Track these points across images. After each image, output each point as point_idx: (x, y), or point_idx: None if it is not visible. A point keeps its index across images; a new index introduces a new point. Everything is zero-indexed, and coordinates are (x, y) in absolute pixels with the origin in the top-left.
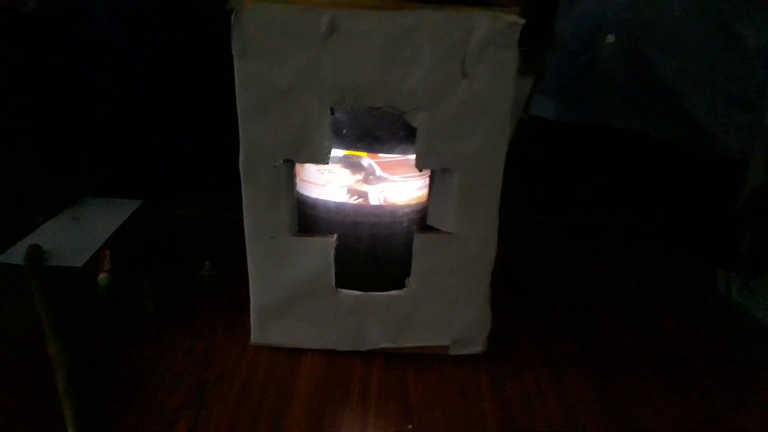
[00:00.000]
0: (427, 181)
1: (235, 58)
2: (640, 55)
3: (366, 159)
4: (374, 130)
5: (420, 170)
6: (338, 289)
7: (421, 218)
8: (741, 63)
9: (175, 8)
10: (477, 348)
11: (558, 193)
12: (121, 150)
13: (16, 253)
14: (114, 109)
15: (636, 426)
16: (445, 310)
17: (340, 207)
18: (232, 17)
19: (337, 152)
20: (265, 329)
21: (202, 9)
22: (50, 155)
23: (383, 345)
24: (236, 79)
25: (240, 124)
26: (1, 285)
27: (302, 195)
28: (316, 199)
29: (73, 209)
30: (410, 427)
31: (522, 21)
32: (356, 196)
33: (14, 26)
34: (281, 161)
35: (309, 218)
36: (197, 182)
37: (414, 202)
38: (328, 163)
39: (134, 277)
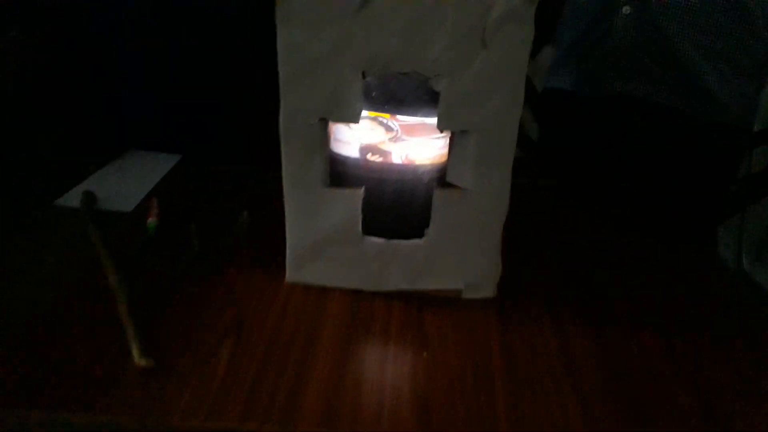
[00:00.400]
0: (446, 141)
1: (278, 28)
2: (654, 26)
3: (391, 120)
4: (400, 94)
5: (441, 131)
6: (364, 236)
7: (441, 176)
8: (750, 35)
9: None
10: (488, 293)
11: (572, 160)
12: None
13: (72, 198)
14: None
15: (626, 368)
16: (459, 258)
17: (367, 164)
18: None
19: (365, 113)
20: (299, 269)
21: None
22: (97, 110)
23: (403, 287)
24: (278, 46)
25: (281, 87)
26: (60, 226)
27: (334, 152)
28: (346, 156)
29: (119, 161)
30: (425, 354)
31: None
32: (380, 155)
33: None
34: (317, 120)
35: (340, 174)
36: (233, 139)
37: (434, 161)
38: (358, 123)
39: (179, 223)
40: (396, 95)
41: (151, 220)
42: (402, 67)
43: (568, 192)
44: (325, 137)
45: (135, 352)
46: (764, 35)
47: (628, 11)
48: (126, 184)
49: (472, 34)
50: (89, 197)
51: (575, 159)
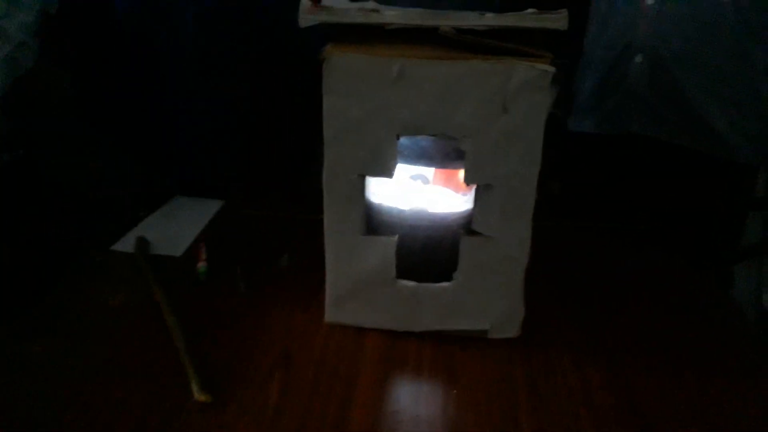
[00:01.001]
0: (472, 194)
1: (324, 95)
2: (665, 72)
3: (423, 176)
4: (430, 152)
5: (467, 185)
6: (398, 280)
7: (467, 223)
8: (755, 80)
9: (254, 18)
10: (512, 332)
11: (582, 200)
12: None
13: (126, 243)
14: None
15: (639, 398)
16: (485, 300)
17: (401, 213)
18: (324, 64)
19: (401, 169)
20: (337, 310)
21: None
22: (146, 159)
23: (433, 327)
24: (324, 111)
25: (325, 146)
26: (116, 269)
27: (370, 201)
28: (381, 205)
29: (166, 207)
30: (455, 391)
31: (552, 69)
32: (413, 205)
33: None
34: (356, 175)
35: (376, 221)
36: (274, 186)
37: (461, 211)
38: (393, 177)
39: (227, 266)
40: (427, 153)
41: (201, 265)
42: (432, 130)
43: (588, 231)
44: (362, 190)
45: (194, 388)
46: (764, 78)
47: (641, 59)
48: (174, 229)
49: (494, 101)
50: (143, 242)
51: (596, 199)
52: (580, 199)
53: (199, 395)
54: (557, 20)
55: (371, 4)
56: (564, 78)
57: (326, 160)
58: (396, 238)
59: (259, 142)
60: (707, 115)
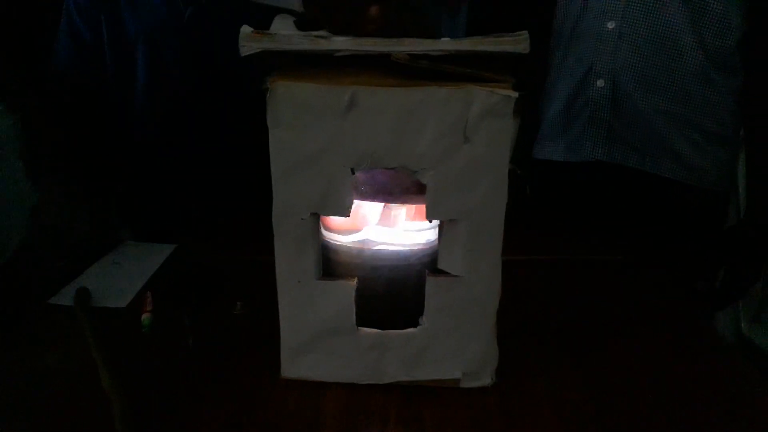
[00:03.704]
0: (436, 229)
1: (269, 129)
2: (628, 97)
3: (381, 210)
4: (388, 186)
5: (430, 221)
6: (359, 327)
7: (432, 261)
8: (715, 104)
9: (207, 67)
10: (486, 381)
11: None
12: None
13: (66, 295)
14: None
15: None
16: (455, 346)
17: (360, 252)
18: (267, 95)
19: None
20: (294, 364)
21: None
22: (92, 205)
23: (400, 378)
24: (270, 146)
25: (273, 184)
26: (53, 325)
27: (326, 241)
28: (338, 245)
29: (113, 254)
30: None
31: (515, 94)
32: (371, 244)
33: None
34: (308, 214)
35: (332, 262)
36: (225, 228)
37: (424, 247)
38: (348, 216)
39: (173, 316)
40: (385, 187)
41: (146, 317)
42: (389, 163)
43: (560, 266)
44: (317, 231)
45: None
46: (728, 101)
47: (602, 84)
48: (120, 278)
49: (454, 129)
50: (84, 294)
51: (568, 233)
52: (548, 232)
53: None
54: (517, 43)
55: (323, 33)
56: (525, 110)
57: (275, 199)
58: (355, 281)
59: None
60: (671, 139)
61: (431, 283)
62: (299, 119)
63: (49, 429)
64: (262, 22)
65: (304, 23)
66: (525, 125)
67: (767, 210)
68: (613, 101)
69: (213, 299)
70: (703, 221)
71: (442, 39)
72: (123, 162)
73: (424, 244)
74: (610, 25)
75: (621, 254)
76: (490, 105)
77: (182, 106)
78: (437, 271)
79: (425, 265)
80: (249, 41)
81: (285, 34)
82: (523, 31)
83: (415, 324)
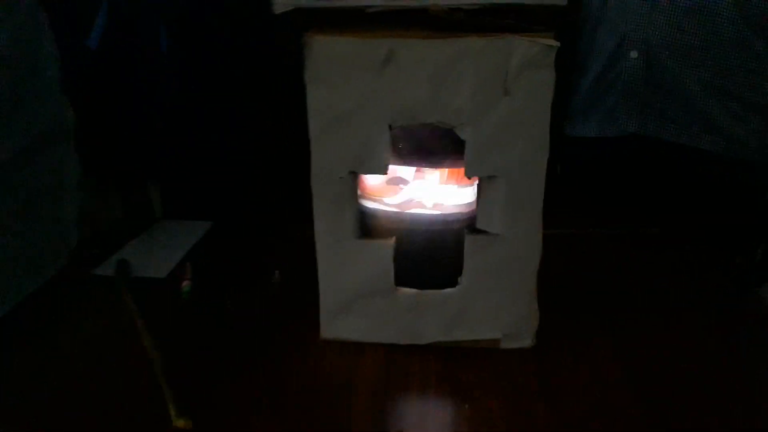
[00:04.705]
0: (475, 188)
1: (306, 85)
2: (661, 67)
3: (418, 171)
4: (426, 144)
5: (469, 178)
6: (397, 287)
7: (471, 223)
8: (756, 72)
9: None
10: (526, 342)
11: (581, 209)
12: (190, 177)
13: (108, 267)
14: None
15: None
16: (495, 306)
17: (398, 215)
18: (304, 50)
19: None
20: (333, 325)
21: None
22: (129, 184)
23: (439, 338)
24: (308, 103)
25: (311, 143)
26: (95, 296)
27: (364, 206)
28: (376, 209)
29: (150, 231)
30: (466, 406)
31: (557, 44)
32: (410, 206)
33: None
34: (346, 173)
35: (370, 227)
36: (260, 203)
37: (463, 209)
38: (386, 174)
39: (214, 286)
40: (422, 146)
41: (185, 285)
42: (427, 118)
43: (595, 239)
44: (355, 190)
45: (172, 413)
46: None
47: (635, 55)
48: (159, 252)
49: (493, 82)
50: (124, 265)
51: (602, 207)
52: (581, 207)
53: (177, 420)
54: None
55: None
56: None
57: (313, 158)
58: (393, 240)
59: (248, 158)
60: (708, 110)
61: (470, 241)
62: (336, 75)
63: (94, 384)
64: None
65: None
66: (554, 102)
67: None
68: (647, 72)
69: (251, 270)
70: (742, 194)
71: None
72: (153, 140)
73: (461, 206)
74: None
75: (657, 227)
76: (530, 56)
77: (213, 78)
78: (476, 231)
79: (463, 225)
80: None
81: None
82: None
83: (454, 284)
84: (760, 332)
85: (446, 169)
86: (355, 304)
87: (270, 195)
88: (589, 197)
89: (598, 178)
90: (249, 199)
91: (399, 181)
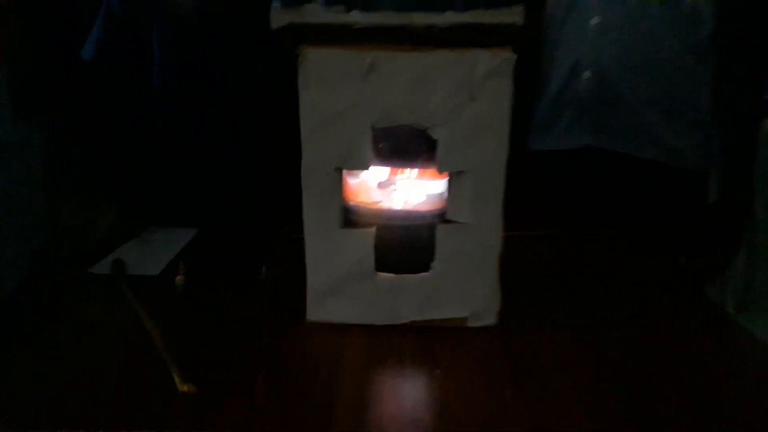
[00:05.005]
0: (445, 186)
1: (300, 91)
2: (612, 87)
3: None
4: (403, 143)
5: (440, 173)
6: (377, 272)
7: (441, 215)
8: (695, 93)
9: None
10: (490, 320)
11: (553, 209)
12: (176, 187)
13: (103, 266)
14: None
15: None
16: (463, 288)
17: (379, 211)
18: (299, 60)
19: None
20: (319, 308)
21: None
22: (123, 193)
23: (414, 318)
24: (300, 106)
25: (302, 142)
26: (92, 292)
27: (347, 203)
28: (357, 206)
29: (141, 236)
30: (438, 371)
31: (514, 57)
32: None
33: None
34: (333, 169)
35: (353, 222)
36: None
37: (434, 205)
38: (368, 169)
39: (204, 283)
40: (400, 144)
41: (179, 279)
42: (405, 120)
43: (558, 239)
44: (340, 184)
45: (176, 380)
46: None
47: (589, 75)
48: (151, 252)
49: (462, 89)
50: (120, 264)
51: (566, 211)
52: (548, 210)
53: (181, 386)
54: (513, 15)
55: (341, 8)
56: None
57: (304, 156)
58: (374, 229)
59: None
60: (653, 125)
61: (441, 230)
62: (326, 82)
63: (99, 362)
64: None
65: None
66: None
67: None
68: (599, 92)
69: (239, 269)
70: (685, 199)
71: (447, 12)
72: (144, 150)
73: (432, 203)
74: (594, 20)
75: (613, 229)
76: (493, 67)
77: (204, 91)
78: (446, 221)
79: (435, 218)
80: (278, 15)
81: (311, 8)
82: (519, 5)
83: (427, 269)
84: (703, 320)
85: (420, 168)
86: (340, 288)
87: (254, 200)
88: (555, 202)
89: (562, 186)
90: (232, 205)
91: (389, 184)
